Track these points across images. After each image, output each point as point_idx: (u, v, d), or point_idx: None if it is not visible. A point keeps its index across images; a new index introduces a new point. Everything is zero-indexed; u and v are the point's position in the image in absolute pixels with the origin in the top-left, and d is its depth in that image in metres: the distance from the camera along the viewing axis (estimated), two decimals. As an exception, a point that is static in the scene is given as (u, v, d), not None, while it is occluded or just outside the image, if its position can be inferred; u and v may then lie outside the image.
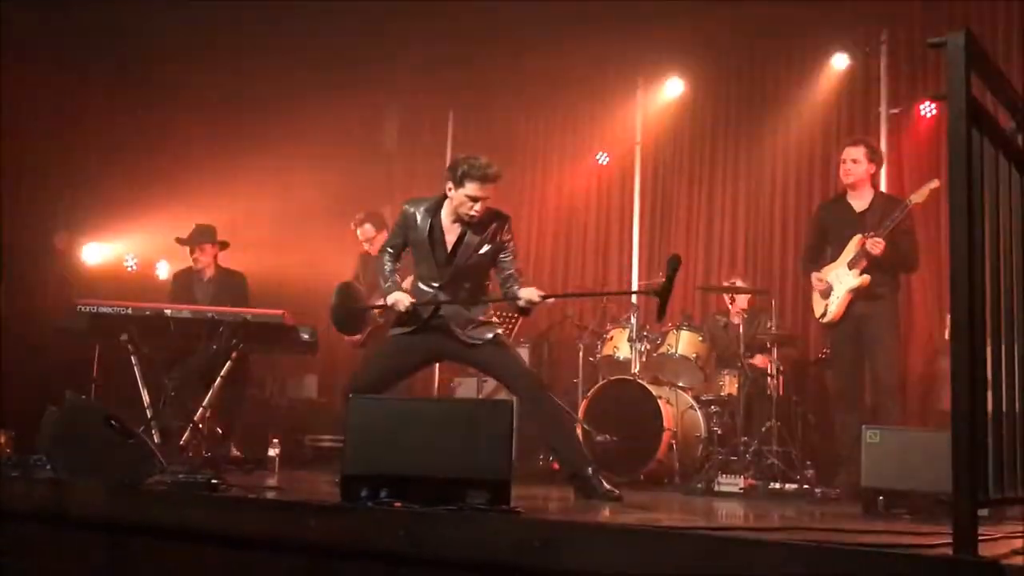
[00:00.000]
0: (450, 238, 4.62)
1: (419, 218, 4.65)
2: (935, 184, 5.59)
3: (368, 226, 6.83)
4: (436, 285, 4.65)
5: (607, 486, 4.45)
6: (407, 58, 8.22)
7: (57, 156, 7.51)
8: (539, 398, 4.65)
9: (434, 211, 4.64)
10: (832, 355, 5.94)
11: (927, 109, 7.15)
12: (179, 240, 6.73)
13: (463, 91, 8.84)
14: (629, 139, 8.65)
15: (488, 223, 4.61)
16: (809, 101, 7.68)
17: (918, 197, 5.60)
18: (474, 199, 4.49)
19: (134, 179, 7.82)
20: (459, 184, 4.51)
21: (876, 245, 5.50)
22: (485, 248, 4.61)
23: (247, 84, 8.09)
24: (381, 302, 4.80)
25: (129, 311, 5.72)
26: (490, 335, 4.64)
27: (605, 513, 3.91)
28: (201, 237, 6.69)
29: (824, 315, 5.75)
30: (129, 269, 8.15)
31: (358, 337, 6.25)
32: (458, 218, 4.58)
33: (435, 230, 4.62)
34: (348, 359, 5.96)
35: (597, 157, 8.80)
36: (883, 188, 6.47)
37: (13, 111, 6.87)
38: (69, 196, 7.58)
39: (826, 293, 5.74)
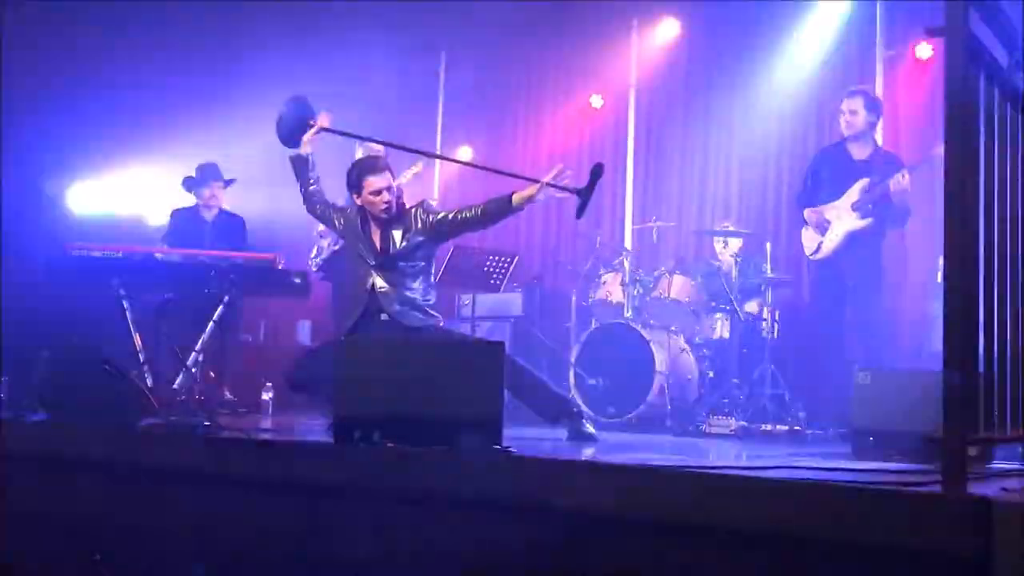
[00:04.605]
0: (376, 239, 4.71)
1: (353, 215, 4.77)
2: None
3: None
4: (372, 272, 4.67)
5: (588, 428, 4.60)
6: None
7: (46, 100, 7.38)
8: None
9: (363, 215, 4.74)
10: (814, 296, 5.92)
11: (924, 50, 7.06)
12: (188, 180, 6.59)
13: (454, 32, 8.70)
14: (623, 82, 8.56)
15: (409, 211, 4.72)
16: (804, 43, 7.58)
17: (917, 167, 5.51)
18: (378, 191, 4.62)
19: (124, 122, 7.70)
20: (359, 187, 4.66)
21: (903, 180, 5.43)
22: (419, 238, 4.68)
23: (233, 24, 7.94)
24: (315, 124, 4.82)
25: (120, 255, 5.68)
26: (433, 320, 4.71)
27: (597, 453, 3.93)
28: (211, 176, 6.58)
29: (817, 251, 5.73)
30: (116, 214, 8.06)
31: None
32: (377, 217, 4.69)
33: (366, 226, 4.72)
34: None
35: (591, 100, 8.71)
36: (880, 132, 6.40)
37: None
38: (58, 140, 7.47)
39: (820, 227, 5.71)
